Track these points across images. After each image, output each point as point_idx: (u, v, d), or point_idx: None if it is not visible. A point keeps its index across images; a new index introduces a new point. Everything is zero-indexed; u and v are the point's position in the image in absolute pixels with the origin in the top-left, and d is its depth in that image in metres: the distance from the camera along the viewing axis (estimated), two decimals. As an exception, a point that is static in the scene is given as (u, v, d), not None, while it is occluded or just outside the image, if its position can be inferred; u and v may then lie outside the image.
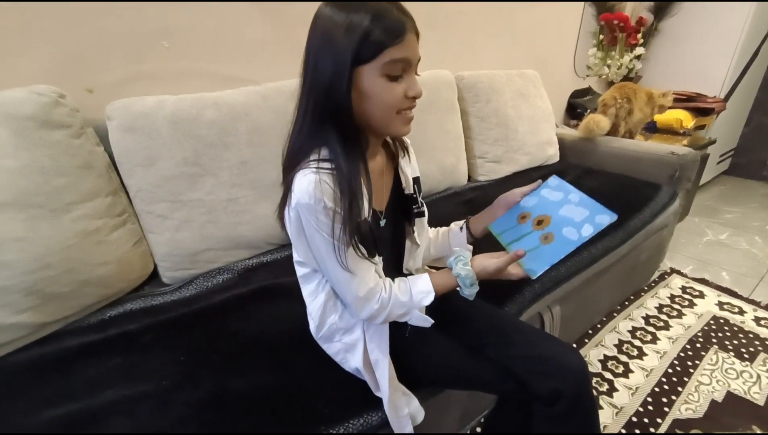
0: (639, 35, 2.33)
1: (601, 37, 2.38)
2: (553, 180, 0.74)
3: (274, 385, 0.71)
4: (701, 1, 2.34)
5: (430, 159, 1.47)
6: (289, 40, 1.34)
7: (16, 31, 0.94)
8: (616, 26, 2.29)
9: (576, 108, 2.43)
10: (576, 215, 0.66)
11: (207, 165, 1.02)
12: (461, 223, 0.84)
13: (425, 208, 0.79)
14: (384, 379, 0.69)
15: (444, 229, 0.87)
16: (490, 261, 0.68)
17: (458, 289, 0.69)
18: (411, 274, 0.80)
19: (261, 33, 1.29)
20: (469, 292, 0.68)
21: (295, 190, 0.60)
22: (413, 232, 0.78)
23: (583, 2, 2.28)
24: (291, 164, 0.63)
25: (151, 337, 0.81)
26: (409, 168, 0.78)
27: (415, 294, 0.68)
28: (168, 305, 0.92)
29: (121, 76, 1.11)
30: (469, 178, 1.69)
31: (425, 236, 0.83)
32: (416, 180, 0.78)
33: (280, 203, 0.67)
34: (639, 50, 2.34)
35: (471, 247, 0.82)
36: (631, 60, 2.35)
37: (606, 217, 0.63)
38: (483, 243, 0.79)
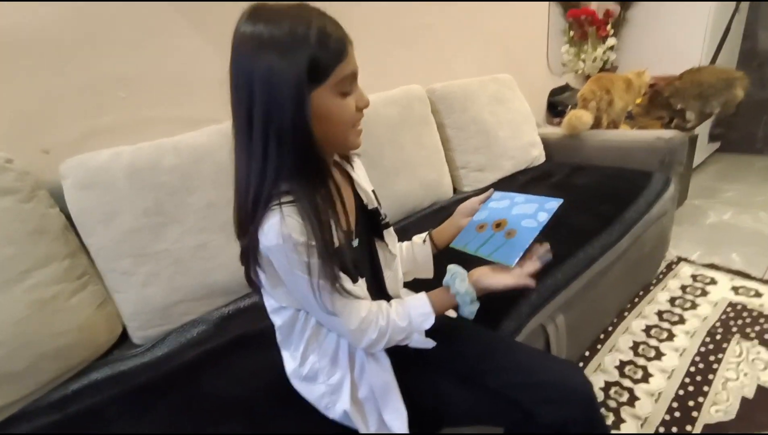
0: (608, 27, 2.33)
1: (572, 33, 2.38)
2: (496, 194, 0.80)
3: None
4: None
5: (411, 176, 1.42)
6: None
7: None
8: (584, 21, 2.29)
9: (557, 106, 2.40)
10: (528, 209, 0.71)
11: (171, 213, 0.96)
12: (424, 235, 0.83)
13: (389, 219, 0.75)
14: (399, 405, 0.64)
15: (407, 243, 0.84)
16: (491, 279, 0.64)
17: (458, 308, 0.66)
18: (397, 295, 0.75)
19: (219, 71, 1.26)
20: (470, 310, 0.65)
21: (261, 238, 0.55)
22: (386, 244, 0.74)
23: (547, 2, 2.29)
24: (253, 214, 0.55)
25: (116, 409, 0.74)
26: (365, 182, 0.73)
27: (414, 317, 0.64)
28: (137, 370, 0.85)
29: (78, 133, 1.07)
30: (455, 191, 1.63)
31: (397, 246, 0.79)
32: (373, 192, 0.74)
33: (247, 263, 0.60)
34: (611, 41, 2.34)
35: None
36: (604, 52, 2.34)
37: (554, 202, 0.70)
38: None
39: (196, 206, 1.00)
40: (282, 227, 0.52)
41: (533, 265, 0.64)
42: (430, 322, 0.64)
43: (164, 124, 1.19)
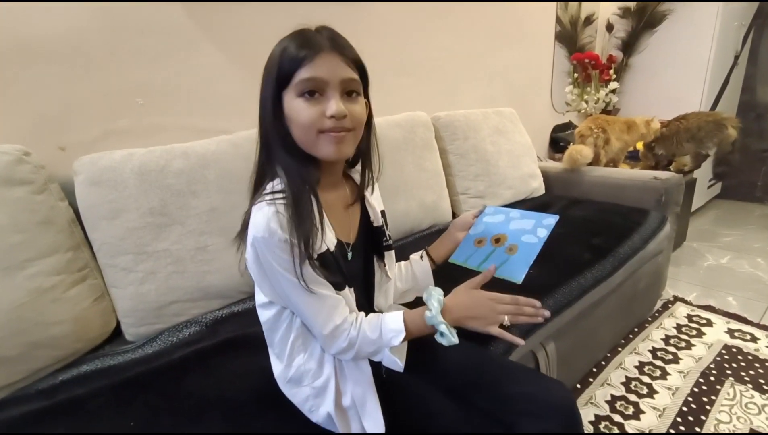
0: (611, 71, 2.42)
1: (576, 75, 2.47)
2: (489, 209, 0.81)
3: (229, 450, 0.63)
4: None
5: (410, 197, 1.45)
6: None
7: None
8: (588, 64, 2.38)
9: (559, 142, 2.47)
10: (525, 225, 0.73)
11: (174, 214, 1.00)
12: (420, 252, 0.84)
13: (392, 241, 0.77)
14: (376, 414, 0.64)
15: (405, 262, 0.85)
16: (473, 323, 0.63)
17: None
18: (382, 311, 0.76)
19: (236, 87, 1.33)
20: (448, 342, 0.62)
21: (251, 225, 0.58)
22: (384, 265, 0.75)
23: (553, 44, 2.40)
24: (253, 193, 0.65)
25: (101, 401, 0.74)
26: (376, 200, 0.76)
27: (385, 332, 0.64)
28: (125, 365, 0.85)
29: (95, 134, 1.12)
30: (454, 215, 1.66)
31: (394, 270, 0.80)
32: (382, 213, 0.77)
33: (239, 234, 0.65)
34: (613, 85, 2.42)
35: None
36: (607, 94, 2.42)
37: (551, 219, 0.72)
38: (447, 273, 0.75)
39: (199, 209, 1.03)
40: (271, 222, 0.55)
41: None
42: (399, 339, 0.63)
43: (177, 131, 1.25)
